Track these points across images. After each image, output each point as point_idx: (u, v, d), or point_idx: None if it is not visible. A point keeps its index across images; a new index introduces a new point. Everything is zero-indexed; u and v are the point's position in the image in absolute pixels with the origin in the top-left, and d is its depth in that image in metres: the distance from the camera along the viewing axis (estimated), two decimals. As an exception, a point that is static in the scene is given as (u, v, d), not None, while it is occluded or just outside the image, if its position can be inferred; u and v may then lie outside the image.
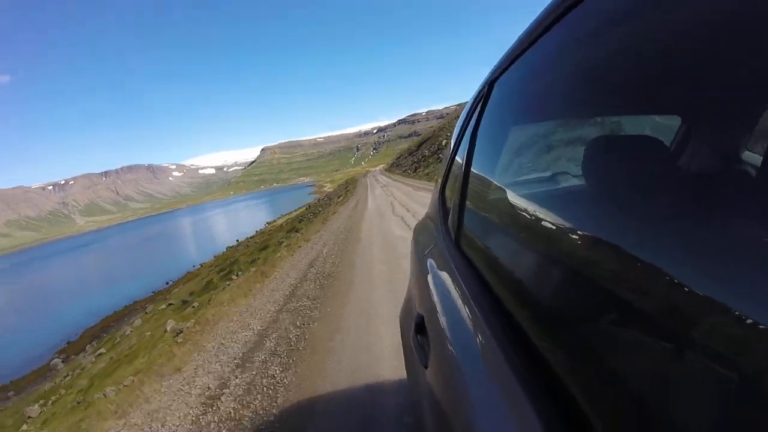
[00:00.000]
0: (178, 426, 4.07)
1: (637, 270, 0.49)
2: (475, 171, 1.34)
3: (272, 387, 4.25)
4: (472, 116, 1.54)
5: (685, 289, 0.41)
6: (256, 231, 38.67)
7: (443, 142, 50.81)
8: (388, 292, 6.34)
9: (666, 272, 0.44)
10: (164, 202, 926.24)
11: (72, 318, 27.56)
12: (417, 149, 71.40)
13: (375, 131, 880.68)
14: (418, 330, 1.35)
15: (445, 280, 1.28)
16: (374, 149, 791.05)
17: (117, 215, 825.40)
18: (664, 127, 0.64)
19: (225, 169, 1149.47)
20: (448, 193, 1.78)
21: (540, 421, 0.55)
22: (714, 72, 0.44)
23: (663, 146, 0.62)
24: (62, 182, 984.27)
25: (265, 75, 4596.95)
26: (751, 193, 0.41)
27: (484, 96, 1.38)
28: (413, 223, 22.02)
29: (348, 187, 50.87)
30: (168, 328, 9.41)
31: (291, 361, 4.77)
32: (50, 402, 9.75)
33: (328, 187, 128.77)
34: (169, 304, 16.47)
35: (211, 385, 4.70)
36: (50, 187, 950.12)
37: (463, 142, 1.61)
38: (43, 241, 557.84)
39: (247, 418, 3.79)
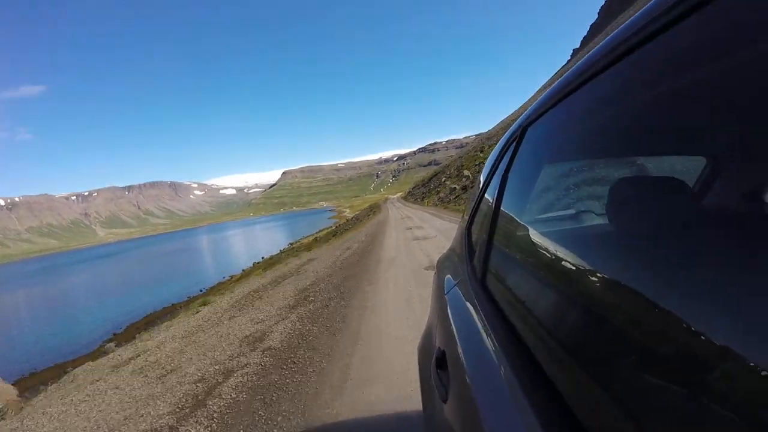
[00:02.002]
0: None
1: (658, 314, 0.49)
2: (504, 211, 1.37)
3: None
4: (503, 157, 1.58)
5: (704, 336, 0.42)
6: (280, 250, 39.43)
7: (443, 179, 60.71)
8: (398, 238, 16.15)
9: (686, 317, 0.45)
10: (184, 219, 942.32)
11: (112, 316, 28.17)
12: (429, 181, 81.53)
13: (395, 158, 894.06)
14: (438, 364, 1.38)
15: (468, 317, 1.29)
16: (394, 177, 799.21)
17: (137, 229, 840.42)
18: (689, 167, 0.65)
19: (245, 190, 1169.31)
20: (475, 230, 1.83)
21: None
22: (738, 114, 0.45)
23: (686, 187, 0.63)
24: (86, 193, 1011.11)
25: (289, 101, 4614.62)
26: None
27: (516, 139, 1.42)
28: (409, 213, 32.54)
29: (373, 209, 67.69)
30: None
31: (365, 251, 14.03)
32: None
33: (348, 213, 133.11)
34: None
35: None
36: (74, 197, 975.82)
37: (493, 181, 1.65)
38: (64, 249, 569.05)
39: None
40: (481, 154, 54.86)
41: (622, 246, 0.69)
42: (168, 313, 23.34)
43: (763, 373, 0.33)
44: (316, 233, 48.20)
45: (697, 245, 0.49)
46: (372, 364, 4.47)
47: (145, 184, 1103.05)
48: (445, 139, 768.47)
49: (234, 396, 4.31)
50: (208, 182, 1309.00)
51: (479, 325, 1.16)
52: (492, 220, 1.41)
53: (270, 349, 5.55)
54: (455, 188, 41.14)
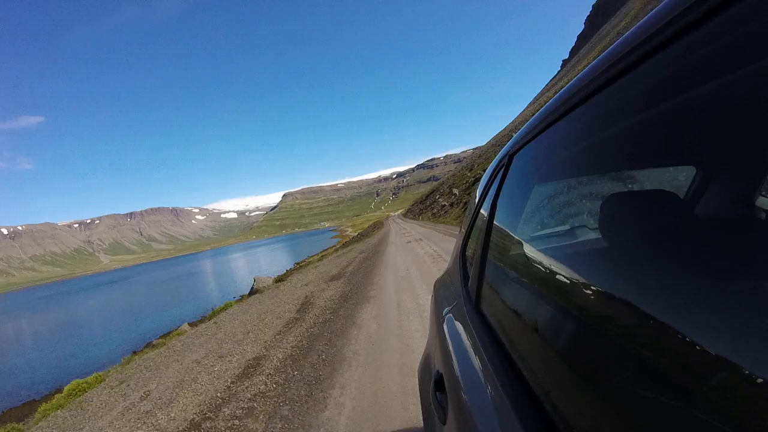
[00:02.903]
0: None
1: (653, 327, 0.50)
2: (494, 237, 1.38)
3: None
4: (491, 185, 1.60)
5: (699, 346, 0.42)
6: (287, 269, 38.86)
7: (437, 197, 67.92)
8: (397, 240, 25.28)
9: (681, 328, 0.45)
10: (187, 244, 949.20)
11: (136, 332, 29.30)
12: (425, 199, 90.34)
13: (394, 176, 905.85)
14: (437, 387, 1.39)
15: (464, 342, 1.30)
16: (394, 194, 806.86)
17: (141, 255, 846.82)
18: (679, 177, 0.67)
19: (247, 213, 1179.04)
20: (469, 254, 1.84)
21: None
22: (727, 120, 0.46)
23: (677, 198, 0.65)
24: (88, 221, 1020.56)
25: (288, 123, 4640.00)
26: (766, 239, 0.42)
27: (504, 167, 1.43)
28: (406, 227, 41.43)
29: (377, 225, 79.14)
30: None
31: (379, 244, 23.69)
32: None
33: (350, 231, 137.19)
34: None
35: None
36: (76, 225, 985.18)
37: (482, 208, 1.67)
38: (69, 276, 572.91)
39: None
40: (469, 173, 59.77)
41: (615, 261, 0.69)
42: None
43: (759, 380, 0.34)
44: (324, 251, 52.60)
45: (689, 255, 0.50)
46: (389, 268, 12.96)
47: (146, 210, 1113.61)
48: (443, 155, 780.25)
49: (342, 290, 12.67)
50: (210, 207, 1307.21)
51: (474, 348, 1.17)
52: (483, 246, 1.43)
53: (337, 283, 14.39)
54: (445, 204, 48.92)
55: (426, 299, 7.58)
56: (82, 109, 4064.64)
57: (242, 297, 22.95)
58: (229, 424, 4.19)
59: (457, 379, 1.18)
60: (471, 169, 65.43)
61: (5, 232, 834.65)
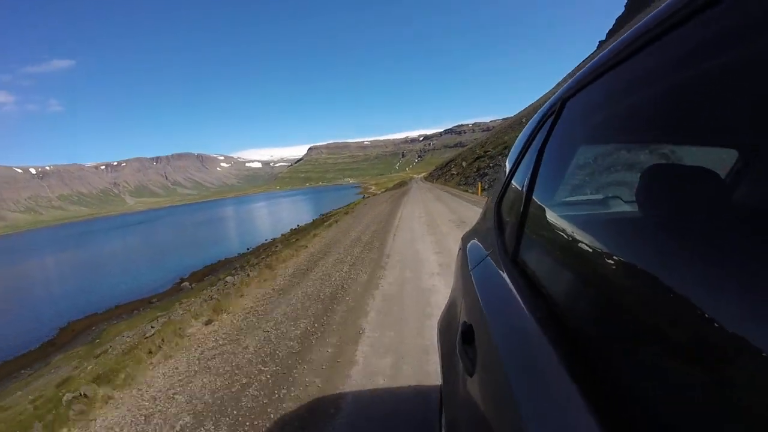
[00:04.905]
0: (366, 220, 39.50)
1: (690, 304, 0.50)
2: (538, 187, 1.33)
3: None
4: (538, 131, 1.54)
5: (719, 324, 0.43)
6: (313, 219, 42.86)
7: (451, 167, 75.70)
8: (417, 186, 56.26)
9: (704, 307, 0.46)
10: (211, 190, 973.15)
11: (172, 267, 31.63)
12: (443, 167, 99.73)
13: (421, 138, 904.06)
14: (464, 338, 1.37)
15: (498, 292, 1.30)
16: (419, 156, 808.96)
17: (165, 199, 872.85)
18: (721, 159, 0.66)
19: (271, 164, 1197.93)
20: (505, 206, 1.81)
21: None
22: None
23: (719, 178, 0.64)
24: (115, 163, 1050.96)
25: (316, 75, 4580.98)
26: None
27: (555, 113, 1.36)
28: (423, 186, 66.90)
29: (402, 183, 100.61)
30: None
31: (404, 193, 40.95)
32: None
33: (374, 189, 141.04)
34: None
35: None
36: (103, 167, 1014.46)
37: (527, 156, 1.61)
38: (95, 216, 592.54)
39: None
40: (480, 150, 64.51)
41: (650, 233, 0.69)
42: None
43: None
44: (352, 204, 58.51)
45: (726, 237, 0.50)
46: (413, 190, 34.02)
47: (172, 156, 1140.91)
48: (472, 122, 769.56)
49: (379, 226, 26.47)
50: (235, 155, 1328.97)
51: (511, 299, 1.16)
52: (526, 198, 1.38)
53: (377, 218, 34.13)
54: (453, 174, 64.60)
55: (421, 197, 31.79)
56: (113, 51, 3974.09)
57: (355, 203, 46.40)
58: (369, 237, 13.57)
59: (489, 330, 1.17)
60: (483, 146, 72.06)
61: (34, 171, 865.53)
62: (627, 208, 0.85)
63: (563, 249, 1.06)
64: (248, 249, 34.13)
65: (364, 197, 65.73)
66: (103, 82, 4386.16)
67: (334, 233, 18.01)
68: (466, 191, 33.23)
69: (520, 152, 1.75)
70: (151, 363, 5.61)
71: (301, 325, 5.82)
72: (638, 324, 0.63)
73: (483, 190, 29.53)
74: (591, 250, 0.89)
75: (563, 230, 1.09)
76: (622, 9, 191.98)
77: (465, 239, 2.42)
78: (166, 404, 4.24)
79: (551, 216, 1.22)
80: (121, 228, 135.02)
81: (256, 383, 4.30)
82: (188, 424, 3.74)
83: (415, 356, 4.33)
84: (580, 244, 0.96)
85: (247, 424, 3.56)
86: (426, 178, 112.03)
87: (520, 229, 1.37)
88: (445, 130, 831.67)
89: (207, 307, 8.20)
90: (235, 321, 6.73)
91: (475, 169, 47.07)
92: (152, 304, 21.28)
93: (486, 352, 1.14)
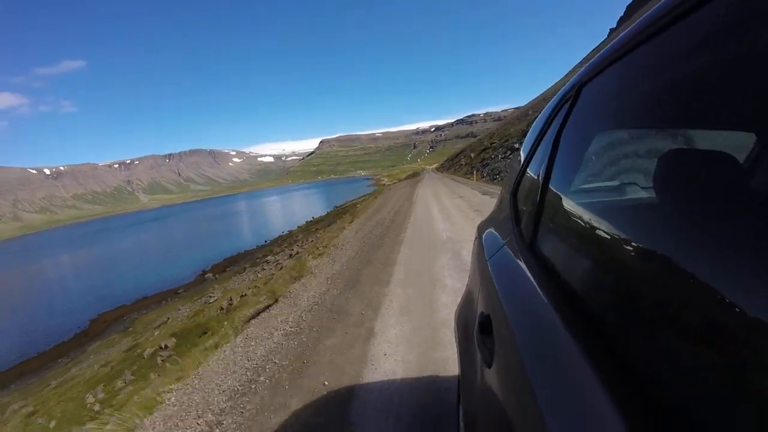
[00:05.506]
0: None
1: (709, 290, 0.50)
2: (555, 174, 1.33)
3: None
4: (554, 118, 1.52)
5: (739, 308, 0.43)
6: (327, 212, 44.12)
7: (461, 158, 79.78)
8: (429, 176, 67.97)
9: (723, 289, 0.47)
10: (224, 185, 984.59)
11: (192, 261, 32.42)
12: (454, 158, 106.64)
13: (433, 129, 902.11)
14: (482, 329, 1.36)
15: (516, 282, 1.28)
16: (431, 147, 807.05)
17: (179, 195, 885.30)
18: (739, 143, 0.65)
19: (283, 158, 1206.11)
20: (521, 195, 1.80)
21: (625, 423, 0.56)
22: None
23: (737, 163, 0.63)
24: (128, 161, 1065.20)
25: (326, 69, 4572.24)
26: None
27: (571, 99, 1.34)
28: (434, 176, 76.46)
29: (415, 174, 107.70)
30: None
31: (417, 182, 50.42)
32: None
33: (386, 181, 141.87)
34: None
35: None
36: (116, 166, 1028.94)
37: (542, 144, 1.60)
38: (110, 214, 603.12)
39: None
40: (487, 142, 66.32)
41: (668, 219, 0.69)
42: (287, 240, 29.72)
43: None
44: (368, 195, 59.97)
45: (744, 221, 0.50)
46: (423, 186, 41.66)
47: (185, 152, 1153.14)
48: (483, 112, 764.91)
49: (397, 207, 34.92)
50: (247, 150, 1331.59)
51: (529, 287, 1.15)
52: (543, 186, 1.36)
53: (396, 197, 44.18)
54: (462, 164, 70.88)
55: (431, 183, 40.14)
56: (123, 51, 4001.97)
57: (379, 189, 55.52)
58: (402, 200, 26.90)
59: (507, 320, 1.16)
60: (491, 137, 73.78)
61: (48, 172, 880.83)
62: (644, 194, 0.84)
63: (580, 236, 1.06)
64: (266, 241, 35.56)
65: (385, 185, 77.58)
66: (114, 81, 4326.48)
67: (381, 200, 32.39)
68: (469, 179, 39.18)
69: (535, 140, 1.77)
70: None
71: (385, 223, 15.00)
72: (657, 310, 0.63)
73: (482, 177, 36.98)
74: (609, 237, 0.89)
75: (580, 218, 1.09)
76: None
77: (480, 229, 2.41)
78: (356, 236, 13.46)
79: (568, 204, 1.22)
80: (136, 225, 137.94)
81: (377, 232, 13.21)
82: (375, 233, 12.74)
83: (428, 224, 12.88)
84: (597, 232, 0.96)
85: (377, 232, 12.65)
86: (437, 169, 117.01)
87: (537, 218, 1.38)
88: (457, 121, 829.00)
89: (335, 229, 19.07)
90: (353, 229, 16.19)
91: (480, 160, 49.53)
92: (178, 294, 22.17)
93: (504, 342, 1.13)
